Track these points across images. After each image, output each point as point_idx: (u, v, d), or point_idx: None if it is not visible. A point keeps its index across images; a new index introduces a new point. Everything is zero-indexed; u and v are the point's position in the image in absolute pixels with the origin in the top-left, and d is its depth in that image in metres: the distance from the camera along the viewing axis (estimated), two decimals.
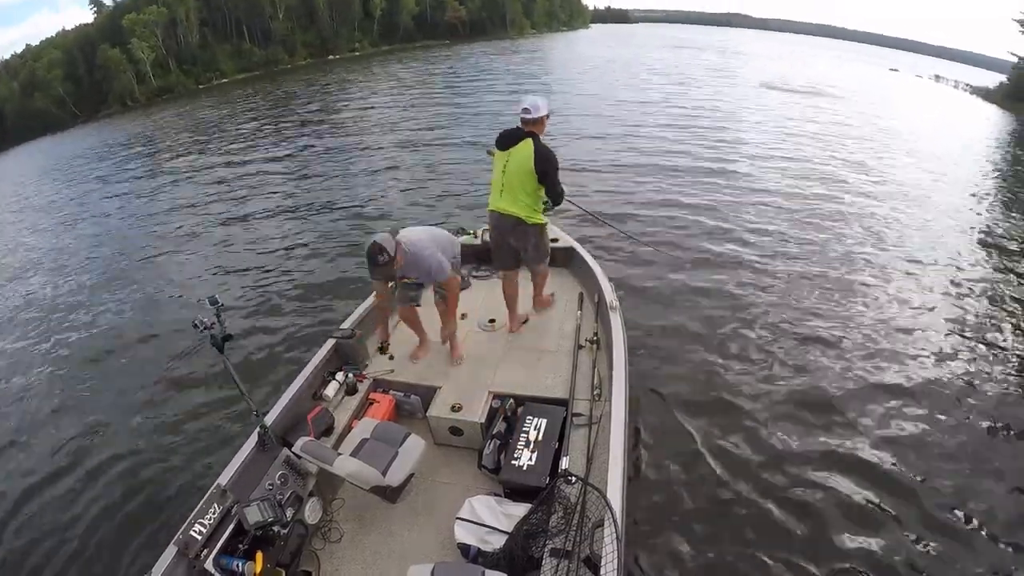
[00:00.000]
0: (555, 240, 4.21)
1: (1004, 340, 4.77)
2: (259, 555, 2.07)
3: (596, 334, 3.20)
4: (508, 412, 2.81)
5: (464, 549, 2.21)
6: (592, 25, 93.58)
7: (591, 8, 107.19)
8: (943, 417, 3.77)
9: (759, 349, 4.49)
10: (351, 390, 3.04)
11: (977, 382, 4.18)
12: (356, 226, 7.86)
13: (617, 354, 2.85)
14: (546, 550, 2.02)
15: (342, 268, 6.53)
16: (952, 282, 5.79)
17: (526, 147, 2.96)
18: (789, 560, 2.76)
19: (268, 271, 6.78)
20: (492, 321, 3.58)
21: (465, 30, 61.86)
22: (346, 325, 3.34)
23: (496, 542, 2.17)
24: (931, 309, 5.23)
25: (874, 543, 2.84)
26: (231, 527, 2.11)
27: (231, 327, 2.24)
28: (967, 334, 4.84)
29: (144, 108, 34.78)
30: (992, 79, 33.43)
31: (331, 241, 7.43)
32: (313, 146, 13.61)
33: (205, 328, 2.11)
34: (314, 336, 4.86)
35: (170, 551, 1.97)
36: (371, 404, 2.99)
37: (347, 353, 3.20)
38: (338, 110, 19.28)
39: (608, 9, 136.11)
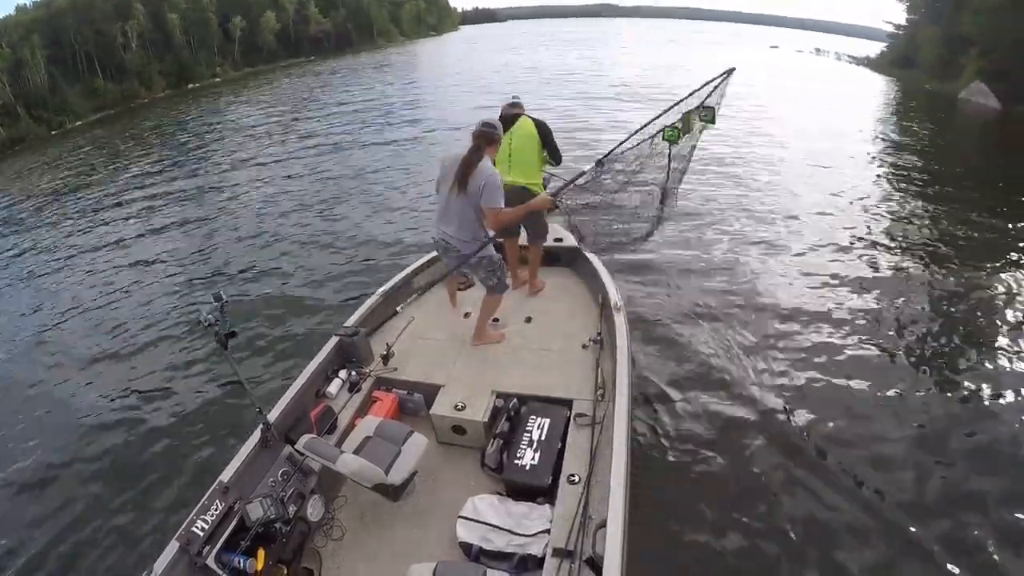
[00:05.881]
0: (559, 240, 4.20)
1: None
2: (261, 552, 2.06)
3: (600, 334, 3.18)
4: (511, 411, 2.79)
5: (466, 548, 2.21)
6: (461, 27, 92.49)
7: (459, 10, 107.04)
8: None
9: (767, 340, 4.45)
10: (354, 388, 3.04)
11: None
12: (352, 228, 7.87)
13: (621, 354, 2.84)
14: (548, 550, 2.01)
15: (344, 267, 6.53)
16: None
17: (525, 122, 3.57)
18: (797, 561, 2.73)
19: (270, 269, 6.80)
20: (496, 320, 3.57)
21: (331, 43, 58.92)
22: (350, 323, 3.34)
23: (498, 541, 2.16)
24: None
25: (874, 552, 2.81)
26: (233, 523, 2.11)
27: (235, 324, 2.23)
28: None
29: None
30: (870, 48, 34.06)
31: (333, 238, 7.44)
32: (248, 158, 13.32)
33: (209, 325, 2.10)
34: (317, 334, 4.87)
35: (172, 547, 1.97)
36: (374, 402, 2.99)
37: (350, 351, 3.19)
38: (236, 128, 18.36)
39: (476, 10, 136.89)
